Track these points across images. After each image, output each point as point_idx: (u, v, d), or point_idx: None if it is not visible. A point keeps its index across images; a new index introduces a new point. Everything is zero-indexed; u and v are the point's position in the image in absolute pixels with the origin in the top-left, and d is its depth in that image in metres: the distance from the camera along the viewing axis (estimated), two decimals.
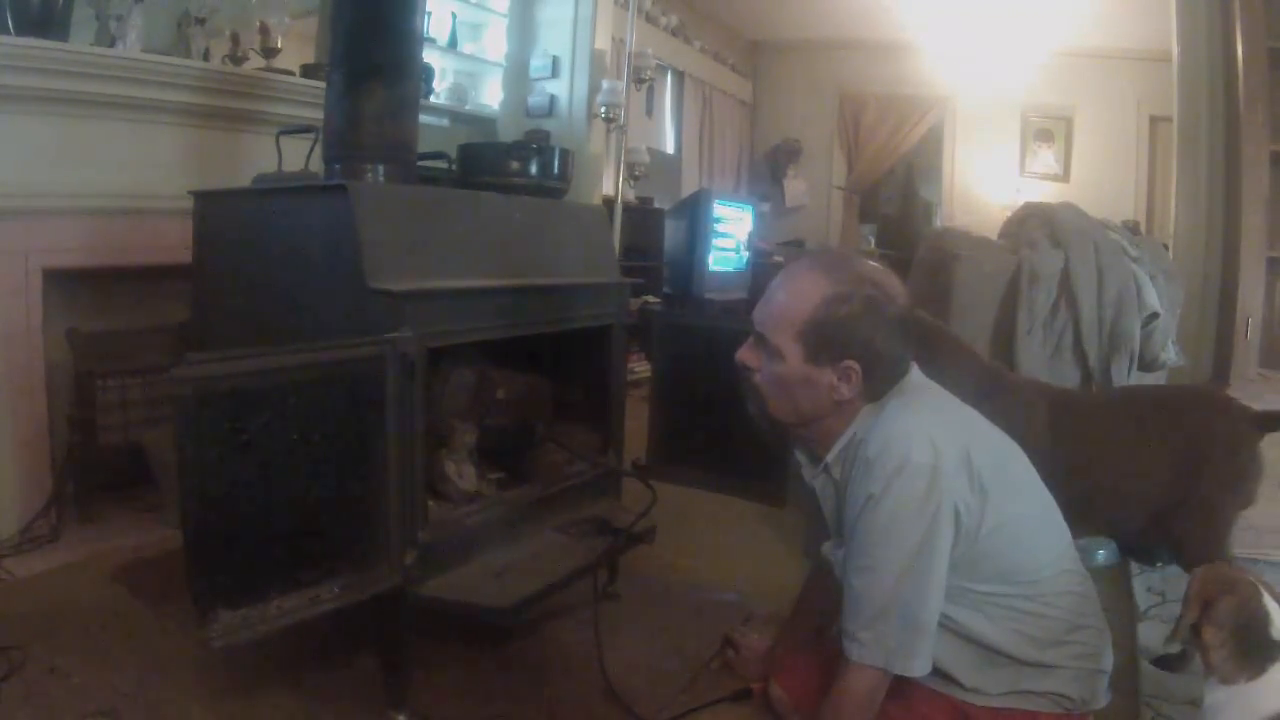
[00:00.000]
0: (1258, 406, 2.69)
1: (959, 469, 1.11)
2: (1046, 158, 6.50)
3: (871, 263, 1.24)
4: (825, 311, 1.16)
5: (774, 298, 1.23)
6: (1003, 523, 1.14)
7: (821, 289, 1.17)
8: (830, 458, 1.25)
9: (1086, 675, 1.22)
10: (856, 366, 1.17)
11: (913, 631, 1.12)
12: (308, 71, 2.96)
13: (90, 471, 2.39)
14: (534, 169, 2.09)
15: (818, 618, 1.61)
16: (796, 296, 1.19)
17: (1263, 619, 1.06)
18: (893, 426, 1.15)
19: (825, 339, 1.17)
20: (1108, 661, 1.26)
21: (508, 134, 4.19)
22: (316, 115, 2.03)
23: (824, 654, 1.57)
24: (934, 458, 1.10)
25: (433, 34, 3.74)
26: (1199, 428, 1.76)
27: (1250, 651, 1.05)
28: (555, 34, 4.29)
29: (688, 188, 5.99)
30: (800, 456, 1.35)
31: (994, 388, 1.73)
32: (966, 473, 1.12)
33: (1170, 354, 2.19)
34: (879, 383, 1.20)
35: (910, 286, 1.35)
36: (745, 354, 1.27)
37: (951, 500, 1.11)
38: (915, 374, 1.26)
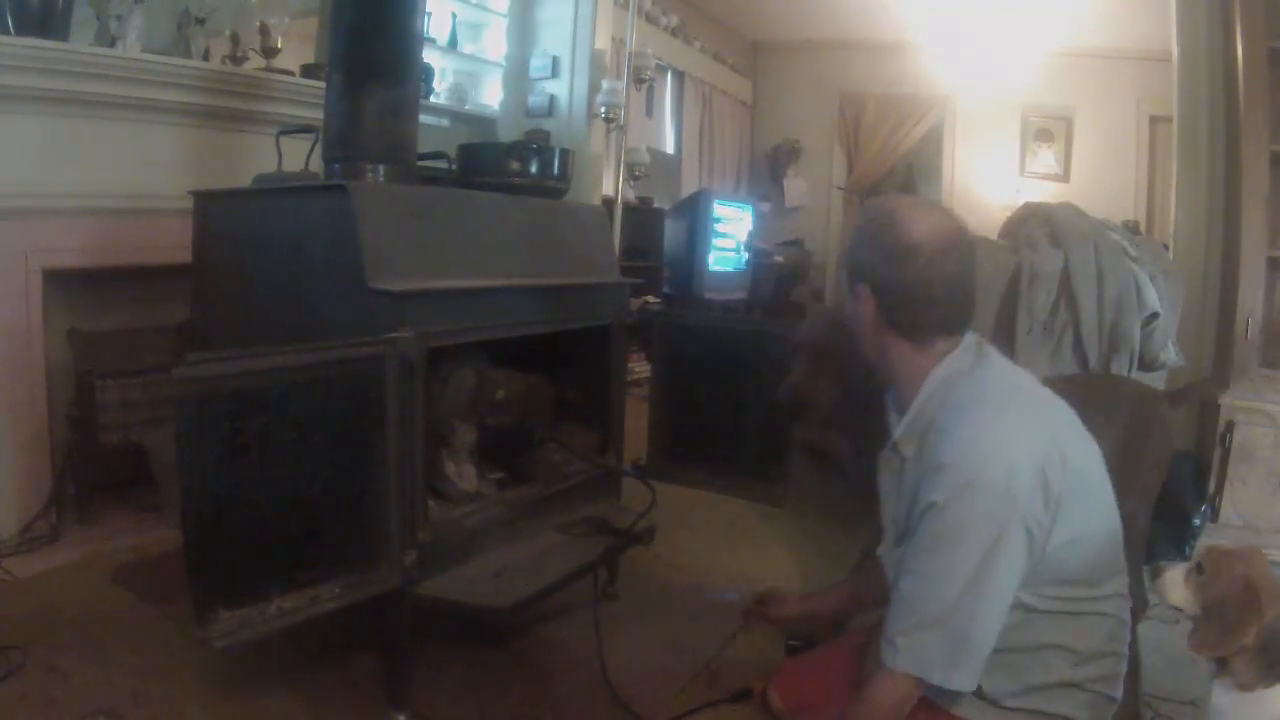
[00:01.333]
0: (1257, 407, 2.70)
1: (1034, 490, 1.08)
2: (1046, 158, 6.50)
3: (909, 198, 1.31)
4: (848, 244, 1.28)
5: None
6: (1073, 538, 1.12)
7: (858, 221, 1.29)
8: (899, 434, 1.24)
9: (1101, 702, 1.20)
10: (865, 289, 1.22)
11: (961, 646, 1.09)
12: (308, 71, 2.96)
13: (90, 471, 2.39)
14: (534, 169, 2.09)
15: (843, 610, 1.61)
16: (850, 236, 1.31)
17: None
18: (971, 433, 1.12)
19: (849, 267, 1.26)
20: (1119, 692, 1.23)
21: (508, 134, 4.18)
22: (316, 115, 2.03)
23: (824, 659, 1.57)
24: (1008, 479, 1.07)
25: (433, 34, 3.74)
26: (1137, 414, 1.76)
27: (1276, 661, 1.03)
28: (555, 34, 4.29)
29: (688, 188, 5.99)
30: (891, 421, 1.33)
31: None
32: (1042, 492, 1.08)
33: (1170, 354, 2.19)
34: (904, 315, 1.20)
35: None
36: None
37: (1023, 522, 1.08)
38: (998, 361, 1.23)
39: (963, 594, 1.08)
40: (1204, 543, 2.54)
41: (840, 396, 1.78)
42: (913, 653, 1.11)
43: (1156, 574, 1.18)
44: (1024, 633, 1.15)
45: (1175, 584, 1.15)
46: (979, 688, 1.16)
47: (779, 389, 1.90)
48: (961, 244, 1.20)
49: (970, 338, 1.23)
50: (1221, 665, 1.09)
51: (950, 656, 1.10)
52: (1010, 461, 1.08)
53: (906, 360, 1.22)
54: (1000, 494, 1.07)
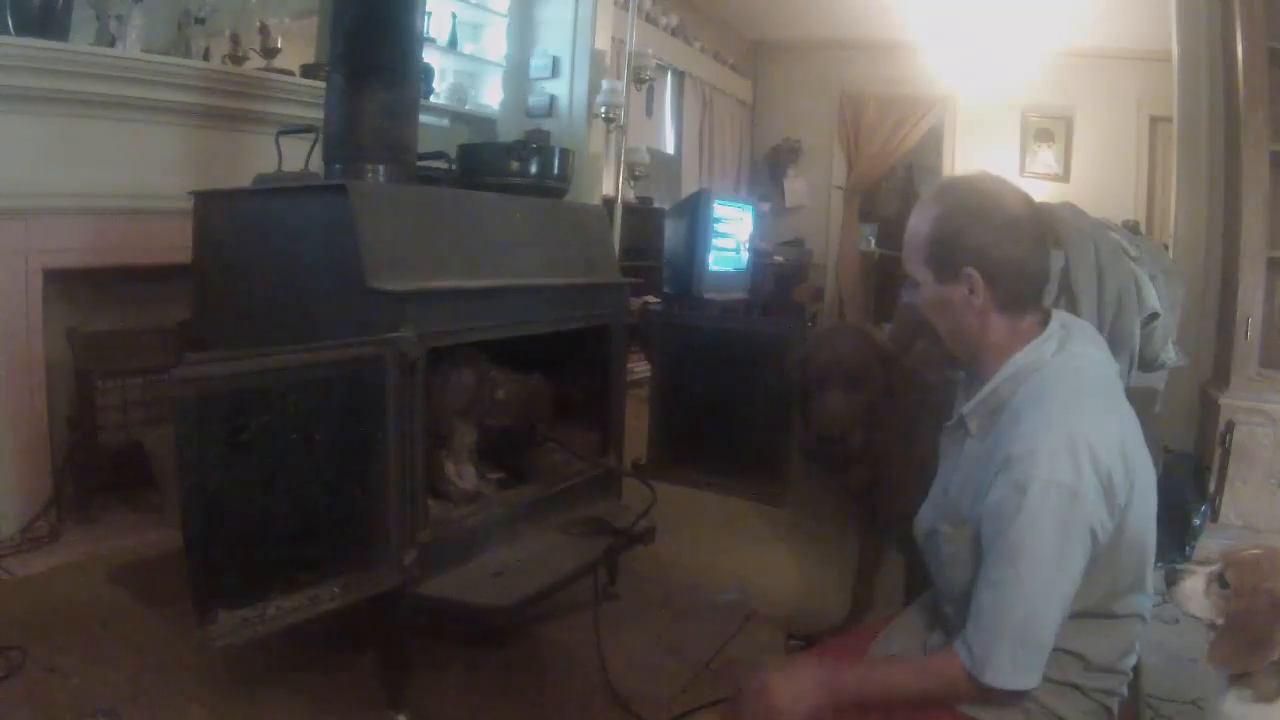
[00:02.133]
0: (1257, 407, 2.70)
1: (1099, 493, 1.08)
2: (1046, 158, 6.50)
3: (986, 173, 1.27)
4: (938, 228, 1.21)
5: (905, 235, 1.29)
6: (1125, 535, 1.13)
7: (933, 212, 1.22)
8: (969, 408, 1.24)
9: (1099, 711, 1.19)
10: (975, 272, 1.18)
11: (1032, 650, 1.11)
12: (308, 71, 2.96)
13: (90, 471, 2.39)
14: (534, 169, 2.09)
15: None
16: (916, 225, 1.25)
17: None
18: (1043, 427, 1.12)
19: (944, 255, 1.20)
20: (1116, 709, 1.23)
21: (508, 134, 4.18)
22: (316, 115, 2.03)
23: (827, 654, 1.57)
24: (1076, 481, 1.07)
25: (433, 34, 3.74)
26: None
27: None
28: (555, 34, 4.29)
29: (688, 188, 5.99)
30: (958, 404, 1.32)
31: None
32: (1107, 495, 1.09)
33: (1170, 354, 2.19)
34: (1009, 289, 1.20)
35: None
36: (907, 294, 1.30)
37: (1088, 523, 1.08)
38: (1081, 350, 1.22)
39: (1038, 596, 1.09)
40: (1208, 549, 2.53)
41: (869, 418, 1.70)
42: (990, 666, 1.11)
43: (1172, 581, 1.16)
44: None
45: (1195, 594, 1.13)
46: None
47: (812, 425, 1.73)
48: (1038, 209, 1.24)
49: (1055, 323, 1.22)
50: (1238, 676, 1.07)
51: (1020, 660, 1.11)
52: (1079, 463, 1.08)
53: (1001, 338, 1.22)
54: (1068, 496, 1.07)
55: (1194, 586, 1.12)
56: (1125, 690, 1.23)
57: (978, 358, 1.24)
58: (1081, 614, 1.15)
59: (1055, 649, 1.14)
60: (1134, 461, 1.14)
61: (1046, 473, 1.08)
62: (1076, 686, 1.18)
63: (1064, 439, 1.10)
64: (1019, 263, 1.20)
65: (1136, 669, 1.31)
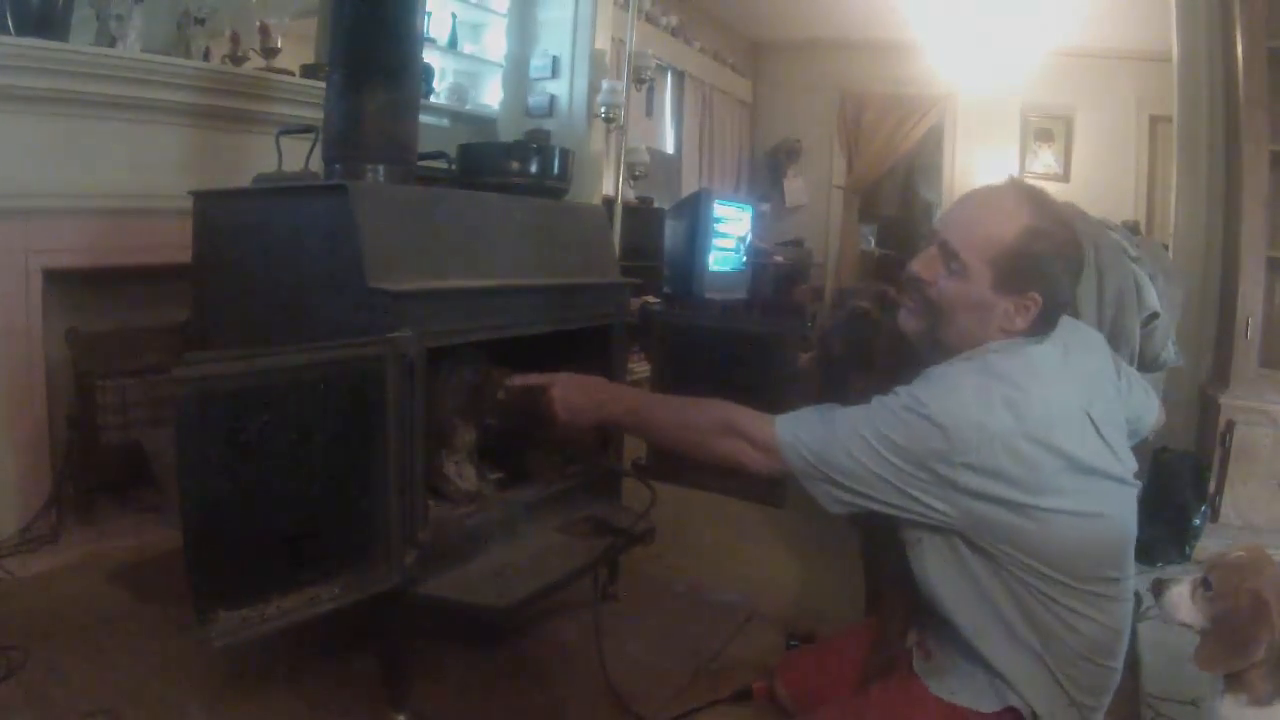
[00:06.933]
0: (1257, 407, 2.70)
1: (986, 444, 1.08)
2: (1046, 157, 6.50)
3: (1070, 204, 1.26)
4: (1024, 242, 1.16)
5: (973, 216, 1.22)
6: (1055, 512, 1.11)
7: (1024, 219, 1.17)
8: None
9: (1066, 705, 1.16)
10: (1039, 299, 1.16)
11: (815, 447, 1.18)
12: (308, 71, 2.96)
13: (90, 471, 2.39)
14: (534, 169, 2.09)
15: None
16: (999, 221, 1.18)
17: None
18: (952, 379, 1.14)
19: (1018, 269, 1.16)
20: (1101, 705, 1.21)
21: (508, 134, 4.18)
22: (316, 115, 2.03)
23: (828, 649, 1.57)
24: (955, 422, 1.08)
25: (433, 34, 3.74)
26: None
27: None
28: (555, 34, 4.29)
29: (688, 188, 5.99)
30: None
31: None
32: (1005, 450, 1.08)
33: (1170, 354, 2.19)
34: (1044, 323, 1.20)
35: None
36: (921, 266, 1.23)
37: (935, 456, 1.10)
38: (1076, 356, 1.23)
39: (852, 439, 1.14)
40: (1207, 549, 2.53)
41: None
42: (779, 421, 1.22)
43: (1160, 590, 1.16)
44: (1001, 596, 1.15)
45: (1182, 601, 1.13)
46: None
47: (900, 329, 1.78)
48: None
49: (1056, 342, 1.22)
50: (1233, 679, 1.07)
51: (803, 443, 1.19)
52: (972, 412, 1.09)
53: (992, 343, 1.21)
54: (936, 431, 1.09)
55: (1180, 594, 1.13)
56: (1114, 682, 1.21)
57: (953, 353, 1.22)
58: (1030, 593, 1.13)
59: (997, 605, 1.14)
60: (1072, 453, 1.11)
61: (928, 401, 1.11)
62: (1039, 657, 1.16)
63: (974, 387, 1.12)
64: (1065, 305, 1.22)
65: (1135, 662, 1.30)
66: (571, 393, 1.47)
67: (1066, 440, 1.11)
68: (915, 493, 1.12)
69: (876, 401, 1.18)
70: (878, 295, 1.81)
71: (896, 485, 1.13)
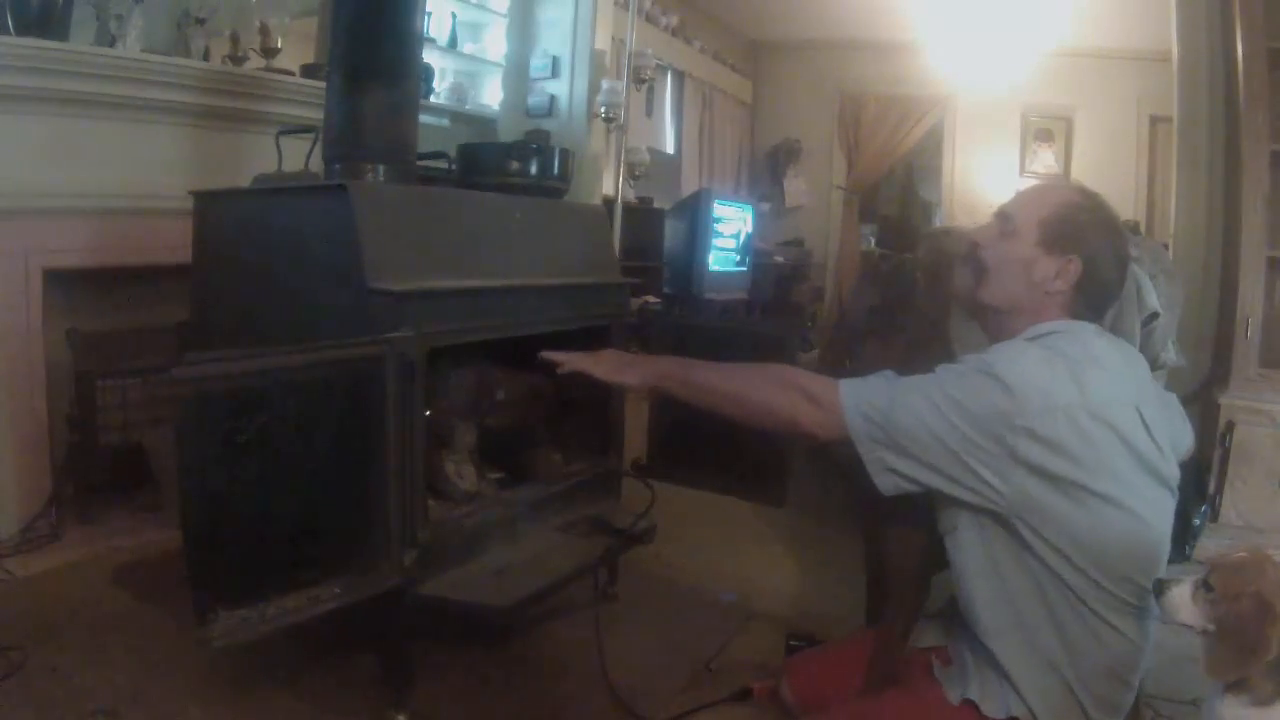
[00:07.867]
0: (1257, 407, 2.70)
1: (1049, 412, 1.09)
2: (1046, 158, 6.49)
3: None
4: (1070, 210, 1.26)
5: (1031, 190, 1.35)
6: (1094, 497, 1.11)
7: (1074, 195, 1.29)
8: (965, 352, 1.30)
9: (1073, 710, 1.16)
10: (1079, 263, 1.22)
11: (877, 416, 1.17)
12: (308, 71, 2.96)
13: (90, 471, 2.39)
14: (534, 169, 2.09)
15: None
16: (1051, 192, 1.33)
17: None
18: (1019, 354, 1.17)
19: (1062, 232, 1.24)
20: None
21: (508, 134, 4.18)
22: (316, 115, 2.03)
23: (835, 652, 1.57)
24: (1021, 382, 1.10)
25: (433, 34, 3.74)
26: None
27: None
28: (555, 34, 4.28)
29: (688, 188, 5.98)
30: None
31: None
32: (1067, 421, 1.09)
33: (1170, 354, 2.19)
34: (1086, 299, 1.25)
35: (909, 287, 1.35)
36: (979, 233, 1.33)
37: (1004, 421, 1.10)
38: (1107, 340, 1.27)
39: (918, 396, 1.15)
40: (1208, 549, 2.53)
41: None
42: (844, 386, 1.20)
43: (1160, 591, 1.16)
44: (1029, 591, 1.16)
45: (1184, 602, 1.12)
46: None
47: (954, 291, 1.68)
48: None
49: (1113, 342, 1.26)
50: (1235, 681, 1.07)
51: (865, 413, 1.18)
52: (1039, 378, 1.12)
53: (1040, 316, 1.24)
54: (1002, 388, 1.10)
55: (1181, 594, 1.12)
56: (1130, 698, 1.20)
57: (1005, 324, 1.27)
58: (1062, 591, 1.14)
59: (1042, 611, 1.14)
60: (1128, 436, 1.13)
61: (1001, 365, 1.13)
62: (1055, 667, 1.16)
63: (1042, 362, 1.14)
64: (1107, 289, 1.27)
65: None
66: (620, 355, 1.49)
67: (1124, 425, 1.14)
68: (974, 464, 1.12)
69: (942, 368, 1.20)
70: (935, 253, 1.81)
71: (957, 453, 1.13)
